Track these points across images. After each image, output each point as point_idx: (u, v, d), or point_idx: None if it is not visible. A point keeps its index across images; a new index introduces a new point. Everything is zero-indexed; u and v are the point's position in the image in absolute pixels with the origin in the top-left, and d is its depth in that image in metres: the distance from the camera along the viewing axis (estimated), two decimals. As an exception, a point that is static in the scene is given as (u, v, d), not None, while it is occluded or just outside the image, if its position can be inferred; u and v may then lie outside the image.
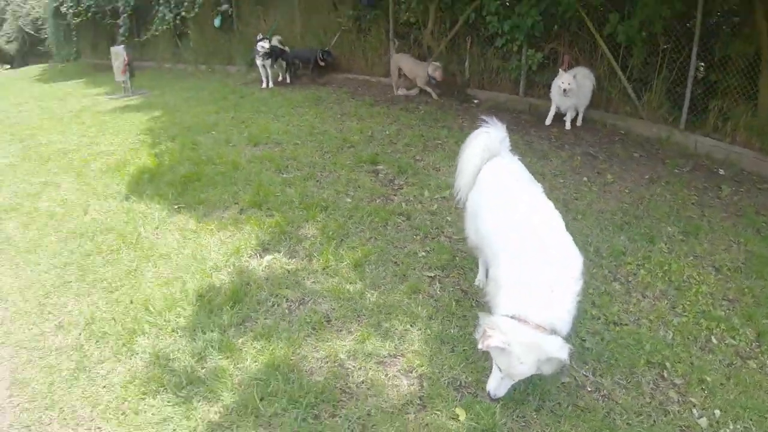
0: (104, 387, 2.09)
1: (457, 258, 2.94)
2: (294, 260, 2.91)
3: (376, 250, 2.97)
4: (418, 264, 2.87)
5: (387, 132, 5.13)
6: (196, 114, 5.94)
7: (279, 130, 5.11)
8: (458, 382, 2.09)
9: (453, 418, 1.92)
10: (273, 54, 7.12)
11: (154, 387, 2.06)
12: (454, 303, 2.54)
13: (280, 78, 7.64)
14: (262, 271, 2.82)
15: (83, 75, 11.66)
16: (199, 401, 1.99)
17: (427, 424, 1.90)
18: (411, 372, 2.14)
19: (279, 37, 7.78)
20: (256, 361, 2.17)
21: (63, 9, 13.59)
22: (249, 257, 2.95)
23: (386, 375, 2.13)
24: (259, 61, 7.14)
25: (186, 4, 9.69)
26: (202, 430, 1.88)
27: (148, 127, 5.70)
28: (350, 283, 2.71)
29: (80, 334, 2.40)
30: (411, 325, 2.39)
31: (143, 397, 2.02)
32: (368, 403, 1.97)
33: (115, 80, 8.10)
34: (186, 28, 10.17)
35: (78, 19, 13.06)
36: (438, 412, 1.94)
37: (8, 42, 26.32)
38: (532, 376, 1.86)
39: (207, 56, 9.79)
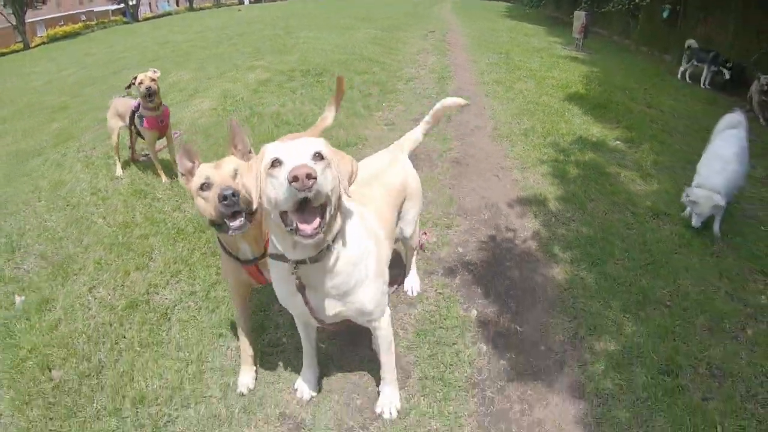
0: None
1: None
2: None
3: None
4: None
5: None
6: (623, 78, 7.84)
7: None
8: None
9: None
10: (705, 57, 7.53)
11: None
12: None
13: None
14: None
15: (543, 23, 14.70)
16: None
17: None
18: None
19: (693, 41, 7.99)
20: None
21: None
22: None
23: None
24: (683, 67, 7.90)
25: None
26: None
27: (585, 73, 8.00)
28: None
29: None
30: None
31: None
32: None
33: (572, 35, 10.62)
34: (638, 12, 11.31)
35: None
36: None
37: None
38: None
39: (649, 40, 10.85)
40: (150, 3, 52.34)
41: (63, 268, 2.91)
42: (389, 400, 1.94)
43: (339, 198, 1.47)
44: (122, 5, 47.21)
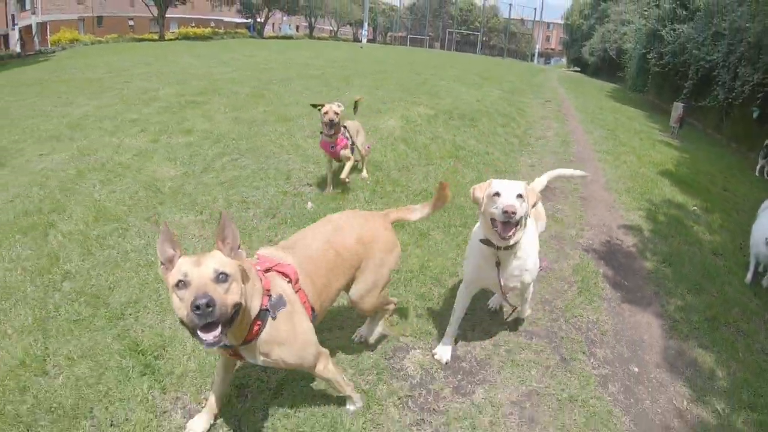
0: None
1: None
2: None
3: None
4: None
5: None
6: (708, 166, 9.35)
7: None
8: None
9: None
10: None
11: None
12: None
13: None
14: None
15: (643, 108, 16.59)
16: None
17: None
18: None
19: None
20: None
21: (649, 57, 17.84)
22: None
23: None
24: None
25: (736, 92, 11.57)
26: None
27: (677, 157, 9.65)
28: None
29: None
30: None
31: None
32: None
33: (669, 123, 12.48)
34: (731, 110, 12.55)
35: (657, 69, 16.93)
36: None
37: (591, 54, 34.40)
38: None
39: (739, 137, 12.27)
40: (273, 23, 58.01)
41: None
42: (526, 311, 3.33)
43: (527, 215, 2.47)
44: (249, 20, 52.95)
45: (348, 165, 4.92)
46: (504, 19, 60.57)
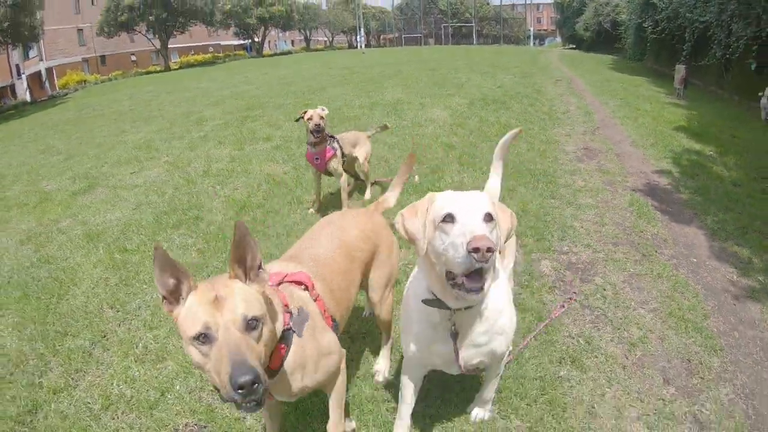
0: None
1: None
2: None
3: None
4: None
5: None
6: (716, 118, 10.46)
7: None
8: None
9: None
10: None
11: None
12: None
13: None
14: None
15: (645, 74, 17.77)
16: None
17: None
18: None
19: None
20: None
21: (645, 26, 18.78)
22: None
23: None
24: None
25: (732, 48, 12.54)
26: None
27: (687, 115, 10.76)
28: None
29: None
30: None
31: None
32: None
33: (673, 86, 13.63)
34: (730, 65, 13.55)
35: (654, 36, 17.99)
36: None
37: (585, 30, 35.40)
38: None
39: (740, 90, 13.19)
40: (269, 42, 59.54)
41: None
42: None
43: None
44: (246, 41, 54.51)
45: (342, 182, 4.58)
46: (495, 6, 61.77)
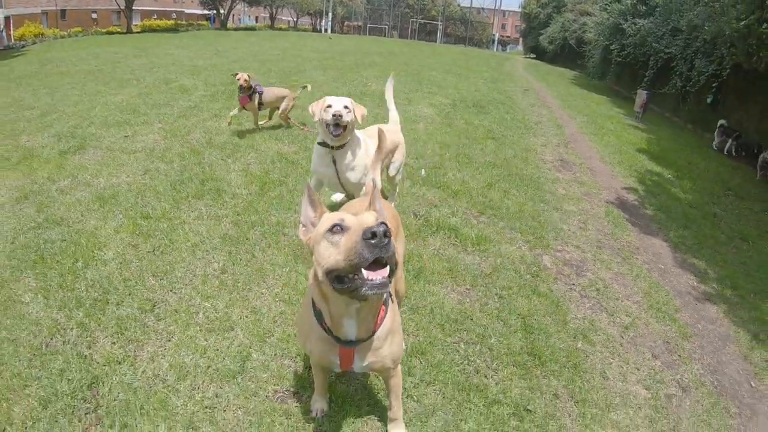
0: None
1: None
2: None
3: None
4: None
5: None
6: (673, 144, 11.34)
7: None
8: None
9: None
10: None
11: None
12: None
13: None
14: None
15: (606, 94, 18.75)
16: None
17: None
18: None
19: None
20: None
21: (611, 48, 19.08)
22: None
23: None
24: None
25: (692, 82, 13.09)
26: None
27: (646, 138, 11.56)
28: None
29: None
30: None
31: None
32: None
33: (633, 109, 14.49)
34: (688, 96, 14.24)
35: (619, 59, 18.35)
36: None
37: (549, 42, 36.57)
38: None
39: (695, 120, 14.01)
40: (233, 15, 57.85)
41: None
42: None
43: (353, 124, 3.48)
44: (210, 12, 52.72)
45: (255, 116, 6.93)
46: (462, 7, 62.68)
